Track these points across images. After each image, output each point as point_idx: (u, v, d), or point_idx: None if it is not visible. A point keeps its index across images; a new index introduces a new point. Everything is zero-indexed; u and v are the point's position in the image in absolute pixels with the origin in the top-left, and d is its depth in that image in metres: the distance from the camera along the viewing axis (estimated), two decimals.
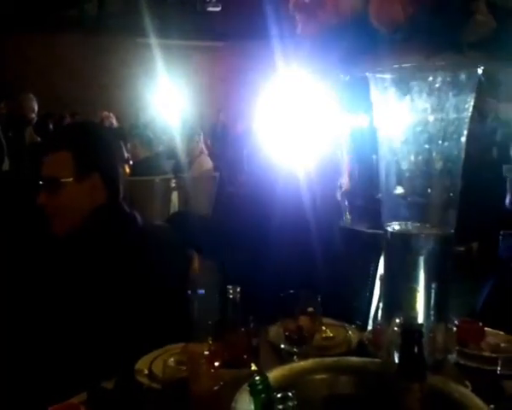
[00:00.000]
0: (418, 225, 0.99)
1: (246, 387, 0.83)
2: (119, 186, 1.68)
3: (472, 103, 0.97)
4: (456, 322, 1.58)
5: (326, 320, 1.63)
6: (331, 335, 1.59)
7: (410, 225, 0.99)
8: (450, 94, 0.98)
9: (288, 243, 1.90)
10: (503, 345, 1.31)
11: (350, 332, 1.64)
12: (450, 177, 0.99)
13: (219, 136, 7.94)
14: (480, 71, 0.97)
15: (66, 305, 1.47)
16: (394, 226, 1.00)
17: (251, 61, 7.18)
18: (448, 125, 0.98)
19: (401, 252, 0.97)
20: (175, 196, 4.76)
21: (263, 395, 0.80)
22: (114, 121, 7.44)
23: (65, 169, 1.58)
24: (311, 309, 1.50)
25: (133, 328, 1.46)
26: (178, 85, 8.18)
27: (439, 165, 0.98)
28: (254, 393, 0.80)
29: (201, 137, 5.91)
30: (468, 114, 0.98)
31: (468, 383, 1.24)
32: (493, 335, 1.57)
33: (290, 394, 0.75)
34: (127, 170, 4.67)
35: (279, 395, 0.76)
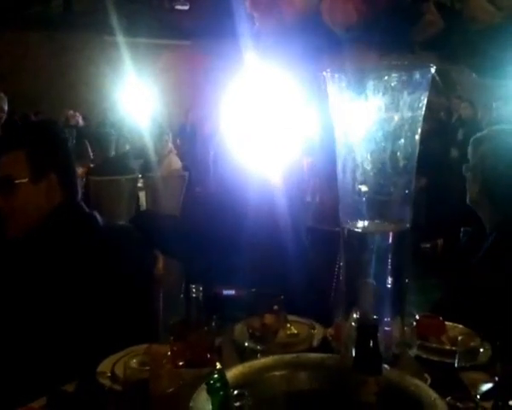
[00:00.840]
0: (374, 221, 1.00)
1: (204, 386, 0.83)
2: (76, 186, 1.66)
3: (425, 102, 1.00)
4: (417, 317, 1.62)
5: (291, 318, 1.64)
6: (295, 332, 1.60)
7: (366, 223, 1.00)
8: (405, 93, 1.00)
9: (254, 242, 1.90)
10: (460, 338, 1.34)
11: (315, 329, 1.66)
12: (405, 174, 1.01)
13: (188, 135, 7.89)
14: (432, 70, 0.99)
15: (24, 307, 1.44)
16: (351, 223, 1.01)
17: (220, 60, 7.17)
18: (403, 124, 1.00)
19: (358, 248, 0.99)
20: (142, 195, 4.72)
21: (220, 394, 0.80)
22: (80, 120, 7.32)
23: (19, 169, 1.54)
24: (276, 307, 1.51)
25: (94, 329, 1.44)
26: (146, 84, 8.10)
27: (394, 162, 0.99)
28: (211, 391, 0.80)
29: (170, 137, 5.87)
30: (422, 112, 1.00)
31: (427, 375, 1.27)
32: (453, 329, 1.61)
33: (246, 392, 0.75)
34: (92, 170, 4.61)
35: (235, 393, 0.76)
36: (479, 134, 1.96)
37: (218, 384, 0.80)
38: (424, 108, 0.99)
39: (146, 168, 5.21)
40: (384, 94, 0.99)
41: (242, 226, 1.94)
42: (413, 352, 1.37)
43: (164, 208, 4.38)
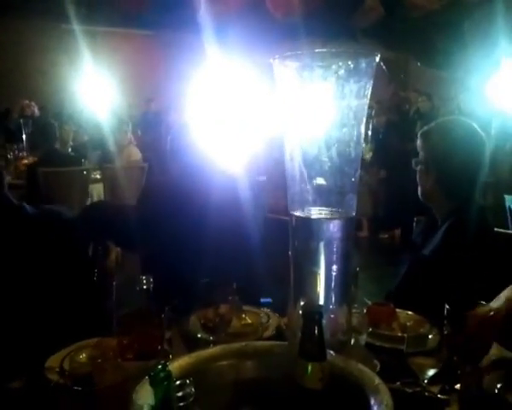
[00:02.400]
0: (321, 209, 1.00)
1: (147, 378, 0.82)
2: (1, 179, 1.62)
3: (370, 90, 1.00)
4: (369, 304, 1.65)
5: (247, 308, 1.64)
6: (250, 322, 1.60)
7: (312, 210, 1.00)
8: (351, 81, 1.00)
9: (211, 232, 1.89)
10: (408, 324, 1.37)
11: (270, 318, 1.67)
12: (351, 162, 1.01)
13: (152, 125, 7.78)
14: (377, 59, 0.99)
15: None
16: (297, 211, 1.01)
17: (182, 51, 7.07)
18: (348, 112, 1.00)
19: (304, 237, 0.99)
20: (100, 187, 4.63)
21: (163, 385, 0.78)
22: (36, 110, 7.11)
23: None
24: (229, 297, 1.50)
25: (37, 323, 1.40)
26: (106, 74, 7.92)
27: (339, 150, 1.00)
28: (154, 383, 0.79)
29: (130, 127, 5.78)
30: (367, 100, 1.01)
31: (376, 361, 1.29)
32: (404, 316, 1.64)
33: (188, 381, 0.74)
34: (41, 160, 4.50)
35: (177, 383, 0.75)
36: (426, 127, 1.99)
37: (160, 376, 0.78)
38: (369, 96, 1.00)
39: (104, 159, 5.12)
40: (330, 82, 0.99)
41: (200, 215, 1.92)
42: (363, 339, 1.39)
43: (122, 200, 4.30)
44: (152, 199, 2.03)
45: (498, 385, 1.24)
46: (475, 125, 1.92)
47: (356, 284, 1.62)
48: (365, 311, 1.57)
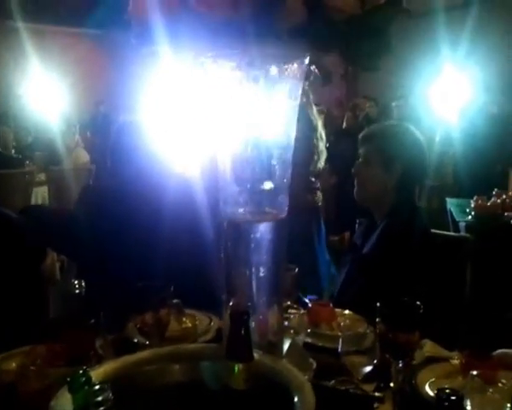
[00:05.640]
0: (252, 211, 1.01)
1: (66, 385, 0.79)
2: None
3: (300, 91, 1.01)
4: (309, 305, 1.67)
5: (190, 311, 1.63)
6: (190, 325, 1.59)
7: (243, 212, 1.00)
8: (282, 82, 1.01)
9: (153, 235, 1.86)
10: (343, 324, 1.39)
11: (212, 321, 1.66)
12: (281, 163, 1.02)
13: (100, 127, 7.62)
14: (306, 61, 1.00)
15: None
16: (229, 213, 1.01)
17: (132, 51, 6.94)
18: (279, 113, 1.01)
19: (234, 238, 0.99)
20: (45, 189, 4.49)
21: (81, 391, 0.76)
22: None
23: None
24: (167, 301, 1.49)
25: None
26: (55, 74, 7.69)
27: (270, 152, 1.00)
28: (72, 389, 0.76)
29: (77, 129, 5.65)
30: (297, 101, 1.02)
31: (312, 360, 1.30)
32: (343, 315, 1.67)
33: (106, 385, 0.73)
34: None
35: (95, 388, 0.73)
36: (365, 132, 2.04)
37: (79, 382, 0.76)
38: (299, 98, 1.01)
39: (51, 161, 4.98)
40: (261, 83, 1.00)
41: (141, 218, 1.89)
42: (301, 339, 1.41)
43: (68, 203, 4.19)
44: (89, 204, 1.98)
45: (430, 380, 1.28)
46: (416, 131, 1.97)
47: (295, 284, 1.64)
48: (304, 311, 1.59)
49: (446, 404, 0.62)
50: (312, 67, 0.95)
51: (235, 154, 1.01)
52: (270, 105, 1.01)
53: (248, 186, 1.01)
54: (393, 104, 5.97)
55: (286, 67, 1.01)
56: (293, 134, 1.02)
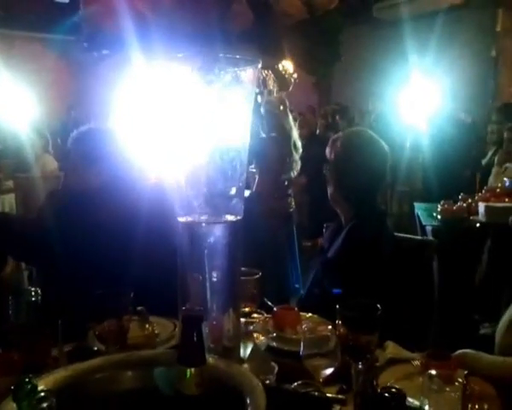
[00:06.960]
0: (206, 215, 1.00)
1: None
2: None
3: (254, 95, 1.01)
4: (274, 309, 1.66)
5: (155, 319, 1.61)
6: (157, 332, 1.58)
7: (197, 216, 1.00)
8: (235, 86, 1.01)
9: (122, 241, 1.83)
10: (304, 327, 1.39)
11: (176, 328, 1.64)
12: (236, 167, 1.02)
13: (71, 134, 7.50)
14: (259, 65, 1.01)
15: None
16: (184, 217, 1.00)
17: (103, 56, 6.88)
18: (233, 116, 1.01)
19: (189, 242, 0.98)
20: (12, 197, 4.39)
21: (28, 399, 0.74)
22: None
23: None
24: (135, 308, 1.47)
25: None
26: (22, 80, 7.56)
27: (224, 155, 1.00)
28: (16, 399, 0.74)
29: (47, 136, 5.57)
30: (252, 105, 1.02)
31: (274, 364, 1.30)
32: (308, 319, 1.67)
33: (49, 393, 0.71)
34: None
35: (38, 397, 0.71)
36: (334, 136, 2.06)
37: (23, 391, 0.74)
38: (253, 101, 1.01)
39: (18, 169, 4.89)
40: (215, 87, 0.99)
41: (106, 225, 1.86)
42: (264, 343, 1.40)
43: (35, 210, 4.10)
44: (57, 209, 1.94)
45: (391, 381, 1.29)
46: (376, 137, 2.00)
47: (259, 289, 1.63)
48: (269, 315, 1.59)
49: (389, 403, 0.62)
50: (266, 72, 0.95)
51: (189, 157, 1.01)
52: (224, 108, 1.01)
53: (203, 190, 1.00)
54: (364, 111, 6.07)
55: (239, 70, 1.01)
56: (247, 137, 1.02)
